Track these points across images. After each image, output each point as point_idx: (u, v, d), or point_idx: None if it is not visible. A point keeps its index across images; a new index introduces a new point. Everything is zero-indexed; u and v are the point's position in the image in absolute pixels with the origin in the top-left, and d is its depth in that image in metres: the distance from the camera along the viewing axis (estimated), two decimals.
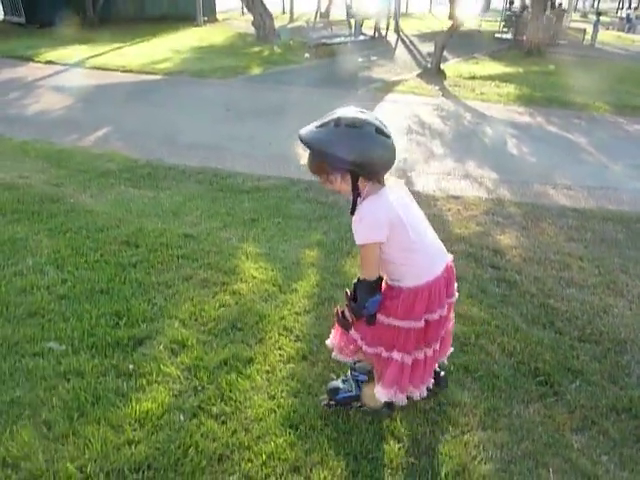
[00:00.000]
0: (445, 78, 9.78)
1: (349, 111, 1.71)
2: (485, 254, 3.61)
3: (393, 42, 15.64)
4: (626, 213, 4.54)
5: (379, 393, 1.98)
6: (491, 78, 10.09)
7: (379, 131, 1.67)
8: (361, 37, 14.08)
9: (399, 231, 1.73)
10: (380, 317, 1.86)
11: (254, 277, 3.06)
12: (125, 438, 1.92)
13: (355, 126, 1.65)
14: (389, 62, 12.09)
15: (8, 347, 2.37)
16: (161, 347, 2.41)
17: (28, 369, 2.23)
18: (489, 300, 3.02)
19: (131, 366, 2.29)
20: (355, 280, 1.86)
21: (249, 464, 1.87)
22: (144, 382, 2.20)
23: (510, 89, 9.21)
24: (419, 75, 10.00)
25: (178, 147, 5.94)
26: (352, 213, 1.75)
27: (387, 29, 17.06)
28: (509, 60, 12.41)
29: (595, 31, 16.18)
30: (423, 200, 4.64)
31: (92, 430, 1.94)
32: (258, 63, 10.82)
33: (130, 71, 9.71)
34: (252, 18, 13.96)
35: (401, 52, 13.91)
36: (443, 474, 1.88)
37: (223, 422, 2.02)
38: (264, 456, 1.89)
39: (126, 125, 6.72)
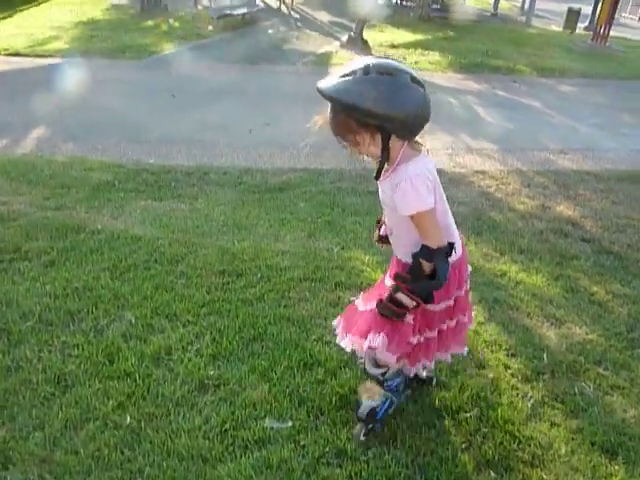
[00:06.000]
0: (370, 48, 9.69)
1: (376, 58, 1.48)
2: (567, 228, 3.66)
3: (284, 11, 15.06)
4: (629, 172, 4.91)
5: (415, 369, 1.84)
6: (411, 46, 10.24)
7: (415, 80, 1.45)
8: (256, 7, 13.31)
9: (438, 199, 1.55)
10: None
11: None
12: None
13: (388, 73, 1.41)
14: (299, 33, 11.64)
15: (220, 438, 1.80)
16: None
17: (275, 465, 1.71)
18: (617, 274, 3.07)
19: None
20: (409, 256, 1.59)
21: None
22: None
23: (436, 57, 9.44)
24: (344, 45, 9.78)
25: (148, 144, 5.09)
26: (377, 178, 1.56)
27: None
28: (408, 27, 12.66)
29: None
30: (455, 177, 4.58)
31: None
32: (166, 39, 9.66)
33: (17, 54, 8.03)
34: None
35: (303, 22, 13.45)
36: None
37: None
38: None
39: (62, 121, 5.55)
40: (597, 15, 11.45)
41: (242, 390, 2.02)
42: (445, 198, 1.63)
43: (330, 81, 1.44)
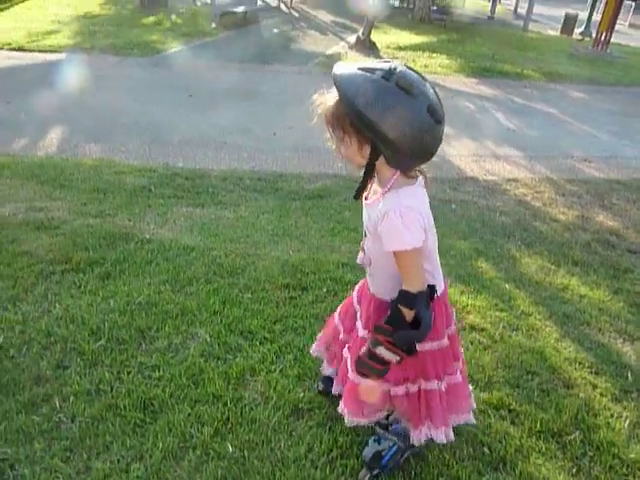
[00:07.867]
0: (379, 50, 9.65)
1: (406, 68, 1.29)
2: (612, 239, 3.66)
3: (284, 9, 14.95)
4: None
5: (421, 435, 1.60)
6: (417, 48, 10.23)
7: (432, 110, 1.25)
8: (258, 4, 13.18)
9: (428, 237, 1.37)
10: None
11: (487, 307, 2.67)
12: None
13: (408, 91, 1.23)
14: (305, 32, 11.55)
15: (330, 467, 1.73)
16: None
17: None
18: None
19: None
20: (386, 293, 1.47)
21: None
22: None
23: (444, 60, 9.44)
24: (352, 47, 9.72)
25: (172, 146, 4.97)
26: (356, 197, 1.41)
27: None
28: (411, 29, 12.69)
29: None
30: (488, 185, 4.56)
31: None
32: (172, 37, 9.48)
33: (21, 49, 7.79)
34: None
35: (304, 21, 13.36)
36: None
37: None
38: None
39: (78, 120, 5.40)
40: (599, 21, 11.57)
41: (338, 414, 1.94)
42: (435, 232, 1.45)
43: (349, 68, 1.28)
